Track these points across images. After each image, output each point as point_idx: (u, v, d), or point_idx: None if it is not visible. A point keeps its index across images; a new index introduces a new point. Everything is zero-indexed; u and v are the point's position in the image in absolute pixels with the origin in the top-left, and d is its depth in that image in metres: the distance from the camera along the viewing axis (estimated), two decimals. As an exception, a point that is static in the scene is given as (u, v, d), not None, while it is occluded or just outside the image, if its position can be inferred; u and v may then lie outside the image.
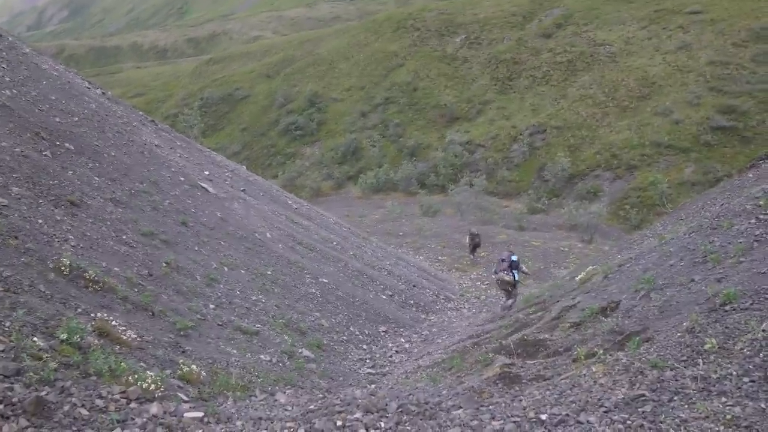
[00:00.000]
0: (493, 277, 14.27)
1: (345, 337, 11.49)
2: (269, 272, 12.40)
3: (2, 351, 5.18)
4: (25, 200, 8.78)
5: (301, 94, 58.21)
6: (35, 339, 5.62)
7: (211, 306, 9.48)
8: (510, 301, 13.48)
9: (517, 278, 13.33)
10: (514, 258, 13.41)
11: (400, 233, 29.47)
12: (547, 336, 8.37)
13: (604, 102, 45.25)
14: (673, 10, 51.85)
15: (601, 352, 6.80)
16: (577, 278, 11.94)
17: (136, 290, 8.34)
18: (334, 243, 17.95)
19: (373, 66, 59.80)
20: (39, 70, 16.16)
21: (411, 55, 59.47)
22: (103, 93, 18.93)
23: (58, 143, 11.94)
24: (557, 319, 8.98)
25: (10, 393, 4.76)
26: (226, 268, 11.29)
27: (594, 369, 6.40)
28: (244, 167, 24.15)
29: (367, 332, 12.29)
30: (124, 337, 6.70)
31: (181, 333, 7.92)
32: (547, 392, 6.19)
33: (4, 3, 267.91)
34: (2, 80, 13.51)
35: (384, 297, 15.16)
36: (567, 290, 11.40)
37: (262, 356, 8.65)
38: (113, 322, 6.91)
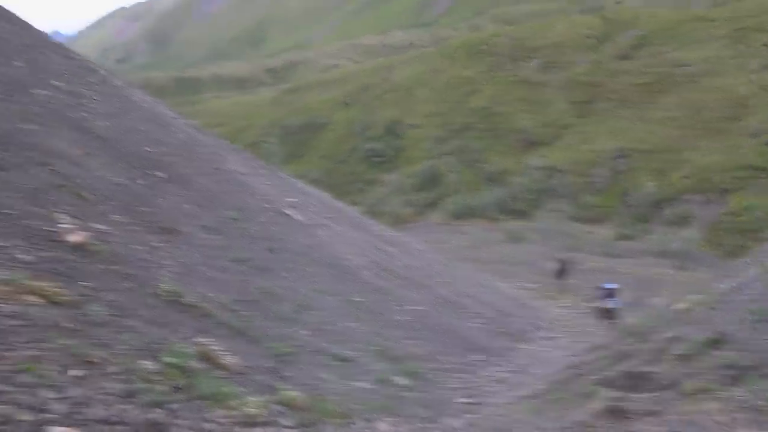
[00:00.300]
0: (590, 305, 13.91)
1: (438, 365, 11.34)
2: (358, 299, 12.43)
3: (116, 373, 5.31)
4: (125, 227, 9.06)
5: (379, 121, 58.80)
6: (144, 362, 5.73)
7: (305, 332, 9.51)
8: (611, 326, 13.08)
9: (615, 306, 12.94)
10: (612, 286, 13.05)
11: (485, 260, 29.17)
12: (651, 369, 8.00)
13: (688, 124, 43.85)
14: (755, 29, 50.03)
15: (714, 387, 6.44)
16: (676, 307, 11.44)
17: (231, 316, 8.44)
18: (420, 270, 17.90)
19: (449, 92, 59.94)
20: (129, 102, 16.83)
21: (487, 80, 59.30)
22: (191, 123, 19.57)
23: (150, 172, 12.32)
24: (660, 351, 8.58)
25: (125, 414, 4.85)
26: (316, 295, 11.36)
27: (708, 406, 6.06)
28: (327, 194, 24.48)
29: (459, 361, 12.12)
30: (225, 362, 6.77)
31: (278, 359, 7.95)
32: (659, 429, 5.89)
33: (95, 39, 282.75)
34: (97, 112, 14.10)
35: (474, 325, 14.97)
36: (667, 320, 10.92)
37: (358, 383, 8.60)
38: (213, 347, 6.99)
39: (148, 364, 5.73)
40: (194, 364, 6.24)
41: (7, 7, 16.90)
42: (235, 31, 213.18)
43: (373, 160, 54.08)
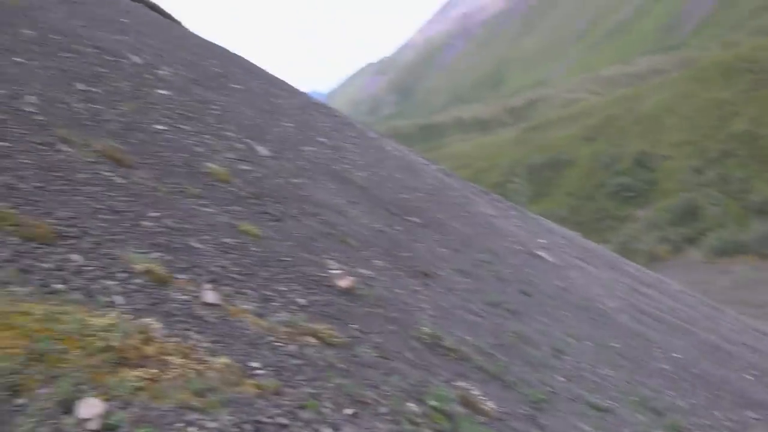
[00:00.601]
0: None
1: (707, 422, 10.33)
2: (615, 345, 11.83)
3: (385, 414, 5.56)
4: (386, 272, 9.58)
5: (627, 154, 56.18)
6: (409, 404, 5.94)
7: (560, 378, 9.24)
8: None
9: None
10: None
11: (756, 303, 26.17)
12: None
13: None
14: None
15: None
16: None
17: (487, 360, 8.47)
18: (682, 313, 16.61)
19: (702, 117, 55.64)
20: (384, 152, 17.94)
21: (747, 101, 54.07)
22: (440, 169, 20.29)
23: (406, 218, 12.96)
24: None
25: (396, 458, 5.06)
26: (570, 340, 11.02)
27: None
28: (578, 234, 23.83)
29: (730, 417, 10.93)
30: (484, 407, 6.79)
31: (534, 405, 7.80)
32: None
33: (346, 95, 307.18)
34: (357, 164, 15.20)
35: (749, 377, 13.47)
36: None
37: (618, 437, 8.14)
38: (473, 392, 7.05)
39: (414, 407, 5.93)
40: (456, 408, 6.34)
41: (279, 75, 19.12)
42: (475, 76, 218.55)
43: (622, 196, 51.55)
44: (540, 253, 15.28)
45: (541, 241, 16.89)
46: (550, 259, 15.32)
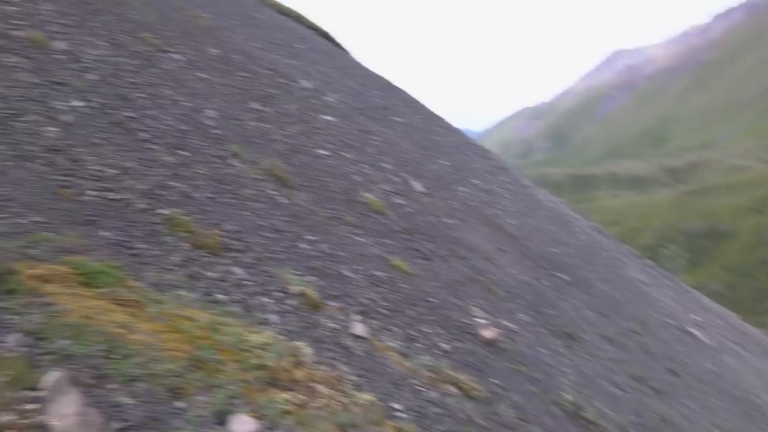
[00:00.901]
0: None
1: None
2: (771, 446, 10.77)
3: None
4: (530, 327, 9.25)
5: (796, 234, 51.85)
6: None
7: (706, 474, 8.50)
8: None
9: None
10: None
11: None
12: None
13: None
14: None
15: None
16: None
17: (629, 439, 7.93)
18: None
19: None
20: (535, 201, 17.52)
21: None
22: (592, 225, 19.56)
23: (554, 273, 12.51)
24: None
25: None
26: None
27: None
28: (731, 313, 22.12)
29: None
30: (625, 494, 6.32)
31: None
32: None
33: (498, 136, 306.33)
34: (508, 210, 14.93)
35: None
36: None
37: None
38: (613, 473, 6.59)
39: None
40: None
41: (436, 111, 19.28)
42: (634, 130, 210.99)
43: (787, 278, 47.55)
44: (692, 330, 14.23)
45: (695, 317, 15.73)
46: (703, 338, 14.22)
